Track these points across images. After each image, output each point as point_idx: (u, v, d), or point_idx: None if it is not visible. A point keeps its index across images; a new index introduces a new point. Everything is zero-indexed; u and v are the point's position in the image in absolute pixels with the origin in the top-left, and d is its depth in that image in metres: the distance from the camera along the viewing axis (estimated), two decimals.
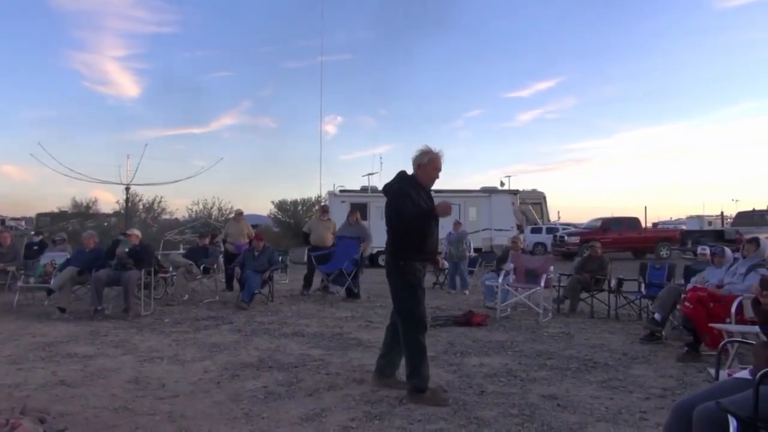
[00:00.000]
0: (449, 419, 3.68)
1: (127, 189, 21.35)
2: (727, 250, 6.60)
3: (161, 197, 28.34)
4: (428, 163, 4.25)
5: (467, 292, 11.04)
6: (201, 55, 57.12)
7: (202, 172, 24.76)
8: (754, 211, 20.55)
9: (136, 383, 4.50)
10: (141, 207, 27.64)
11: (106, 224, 24.68)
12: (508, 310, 8.47)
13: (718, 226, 25.08)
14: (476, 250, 15.61)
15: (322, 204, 16.59)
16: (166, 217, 29.28)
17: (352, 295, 9.78)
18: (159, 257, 10.16)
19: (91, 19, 50.00)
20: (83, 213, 27.57)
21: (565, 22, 59.82)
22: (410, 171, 4.33)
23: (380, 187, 21.09)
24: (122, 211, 23.69)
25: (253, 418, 3.70)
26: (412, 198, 4.12)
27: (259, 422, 3.62)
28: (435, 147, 4.30)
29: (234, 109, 63.09)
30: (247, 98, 62.52)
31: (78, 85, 53.13)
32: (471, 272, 12.29)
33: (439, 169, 4.32)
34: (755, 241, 6.01)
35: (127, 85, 58.22)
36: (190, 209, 29.63)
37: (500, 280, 8.35)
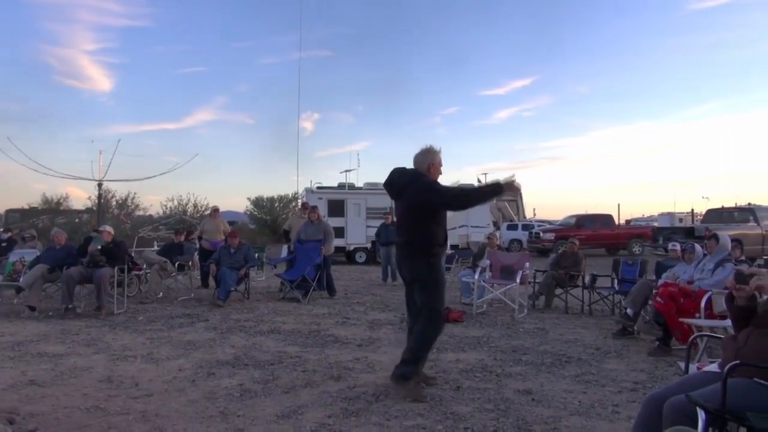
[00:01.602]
0: (426, 415, 3.70)
1: (100, 185, 20.97)
2: (697, 247, 6.74)
3: (135, 193, 27.91)
4: (439, 163, 4.34)
5: None
6: (175, 49, 56.39)
7: (176, 168, 24.40)
8: (723, 208, 20.98)
9: (109, 382, 4.43)
10: (114, 203, 27.18)
11: (77, 221, 24.21)
12: (484, 306, 8.54)
13: (689, 223, 25.61)
14: (453, 246, 15.69)
15: (303, 201, 16.51)
16: (140, 213, 28.88)
17: (331, 292, 9.76)
18: (132, 254, 10.00)
19: (62, 12, 48.93)
20: (54, 209, 26.97)
21: (539, 21, 60.44)
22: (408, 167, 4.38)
23: (358, 184, 20.77)
24: (94, 208, 23.26)
25: (228, 416, 3.67)
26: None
27: (234, 420, 3.59)
28: (435, 145, 4.38)
29: (209, 105, 62.55)
30: (223, 94, 61.96)
31: (49, 79, 51.98)
32: (448, 269, 12.36)
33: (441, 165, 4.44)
34: (714, 237, 6.20)
35: (99, 79, 57.19)
36: (165, 206, 29.28)
37: (476, 276, 8.42)
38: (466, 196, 4.19)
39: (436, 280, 4.23)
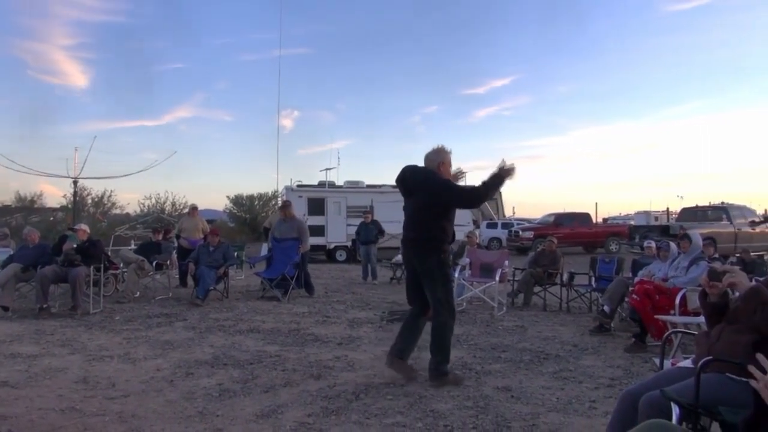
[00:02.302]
0: (406, 413, 3.71)
1: (75, 182, 20.60)
2: (672, 245, 6.86)
3: (111, 191, 27.45)
4: (448, 161, 4.60)
5: None
6: (153, 45, 55.50)
7: (154, 166, 24.09)
8: (697, 207, 21.35)
9: (85, 383, 4.36)
10: (90, 201, 26.70)
11: (51, 219, 23.75)
12: (464, 304, 8.59)
13: (664, 222, 25.99)
14: None
15: (283, 199, 16.43)
16: (117, 211, 28.41)
17: (309, 290, 9.72)
18: (109, 253, 9.85)
19: (37, 6, 47.84)
20: (28, 207, 26.43)
21: (518, 21, 60.94)
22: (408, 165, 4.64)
23: (338, 182, 20.69)
24: (70, 206, 22.86)
25: (207, 416, 3.64)
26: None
27: (213, 420, 3.56)
28: (446, 146, 4.65)
29: (188, 102, 61.88)
30: (202, 91, 61.33)
31: (23, 75, 50.79)
32: None
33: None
34: (687, 237, 6.33)
35: (75, 75, 56.04)
36: (142, 204, 28.88)
37: (456, 274, 8.46)
38: (479, 193, 4.46)
39: (446, 274, 4.51)
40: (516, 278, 9.21)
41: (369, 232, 12.49)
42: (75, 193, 21.41)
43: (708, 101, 71.21)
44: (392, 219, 12.47)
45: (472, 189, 4.61)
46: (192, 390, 4.20)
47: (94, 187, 26.90)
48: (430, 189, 4.40)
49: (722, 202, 20.93)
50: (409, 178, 4.54)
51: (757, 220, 20.25)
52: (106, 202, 27.41)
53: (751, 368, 1.74)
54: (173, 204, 28.79)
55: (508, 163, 4.35)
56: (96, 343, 5.82)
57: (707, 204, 21.53)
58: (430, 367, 4.42)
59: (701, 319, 4.03)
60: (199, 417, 3.62)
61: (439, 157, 4.55)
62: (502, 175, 4.37)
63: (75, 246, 7.80)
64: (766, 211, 26.03)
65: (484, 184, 4.43)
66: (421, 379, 4.50)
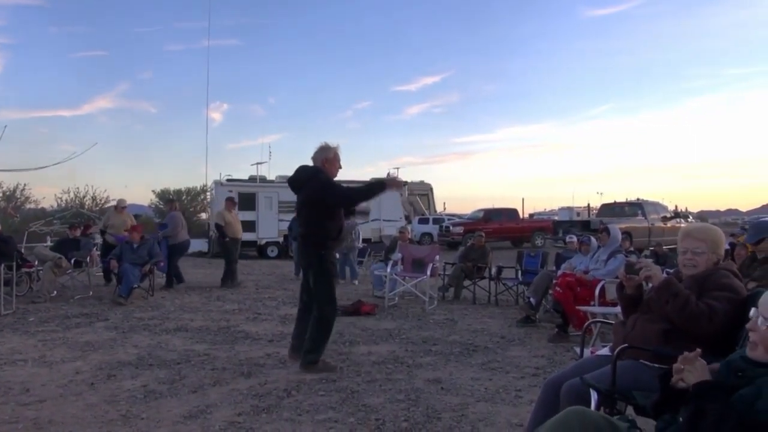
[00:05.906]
0: (337, 408, 3.72)
1: None
2: (593, 239, 7.19)
3: (25, 185, 25.83)
4: (334, 157, 4.69)
5: (356, 281, 11.18)
6: (71, 30, 52.55)
7: (73, 158, 22.66)
8: (615, 203, 22.51)
9: None
10: (0, 195, 25.04)
11: None
12: (396, 298, 8.68)
13: (585, 217, 27.19)
14: (365, 240, 15.82)
15: (228, 196, 15.99)
16: (31, 206, 26.81)
17: (169, 284, 9.95)
18: (22, 250, 9.27)
19: None
20: None
21: (446, 20, 62.02)
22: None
23: (269, 177, 20.37)
24: None
25: (131, 419, 3.50)
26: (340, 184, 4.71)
27: (137, 423, 3.43)
28: (332, 142, 4.77)
29: (110, 92, 59.19)
30: (125, 81, 58.67)
31: None
32: (360, 262, 12.46)
33: (340, 161, 4.79)
34: (606, 230, 6.66)
35: None
36: (60, 198, 27.33)
37: (389, 269, 8.53)
38: (351, 195, 4.68)
39: (327, 270, 4.63)
40: (447, 273, 9.39)
41: None
42: None
43: (621, 103, 75.35)
44: None
45: (346, 190, 4.72)
46: (114, 393, 4.02)
47: (6, 181, 25.28)
48: (311, 187, 4.57)
49: (638, 199, 22.14)
50: (297, 178, 4.72)
51: (668, 215, 21.58)
52: (18, 196, 25.84)
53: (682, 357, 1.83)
54: (94, 198, 27.46)
55: (392, 174, 4.74)
56: (8, 346, 5.46)
57: (624, 200, 22.71)
58: (302, 356, 4.57)
59: (618, 309, 4.25)
60: (122, 420, 3.48)
61: (321, 155, 4.67)
62: (385, 184, 4.64)
63: None
64: (676, 207, 27.78)
65: (360, 188, 4.78)
66: (353, 374, 4.52)
